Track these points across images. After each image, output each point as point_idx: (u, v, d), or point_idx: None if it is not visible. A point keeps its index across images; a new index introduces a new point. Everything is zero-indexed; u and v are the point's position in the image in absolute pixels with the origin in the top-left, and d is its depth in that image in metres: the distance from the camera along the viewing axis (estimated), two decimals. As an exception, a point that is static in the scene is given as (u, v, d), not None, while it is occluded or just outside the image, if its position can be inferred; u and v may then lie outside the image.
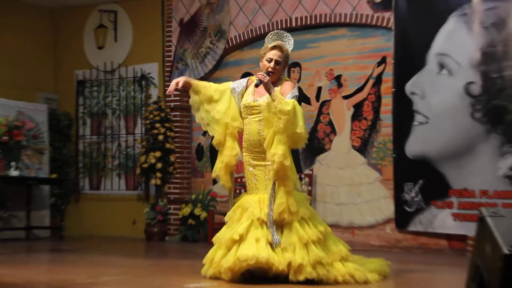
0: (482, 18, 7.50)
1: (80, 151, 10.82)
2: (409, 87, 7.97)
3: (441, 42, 7.80)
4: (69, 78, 10.93)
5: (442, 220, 7.66)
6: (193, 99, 5.41)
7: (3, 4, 10.33)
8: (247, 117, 5.29)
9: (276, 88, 5.15)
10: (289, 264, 4.84)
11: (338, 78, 8.78)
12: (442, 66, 7.77)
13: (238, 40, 9.39)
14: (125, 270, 5.95)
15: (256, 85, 5.11)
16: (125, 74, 10.47)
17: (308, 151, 8.91)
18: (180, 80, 5.37)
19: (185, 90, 5.43)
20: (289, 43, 5.46)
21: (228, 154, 5.26)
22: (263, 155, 5.17)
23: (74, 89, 10.89)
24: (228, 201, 5.50)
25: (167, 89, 9.83)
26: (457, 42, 7.66)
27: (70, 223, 10.53)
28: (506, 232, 3.11)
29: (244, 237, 4.96)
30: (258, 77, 5.08)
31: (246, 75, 9.44)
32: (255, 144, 5.23)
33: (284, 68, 5.41)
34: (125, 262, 6.77)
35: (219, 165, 5.30)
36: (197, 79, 9.57)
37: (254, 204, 5.11)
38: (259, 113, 5.20)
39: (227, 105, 5.35)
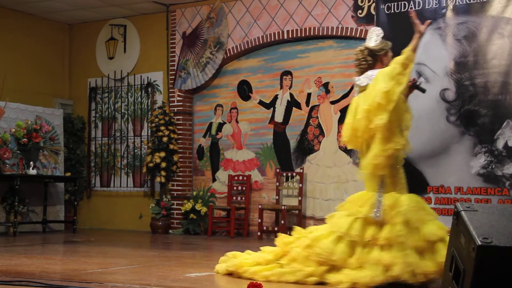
0: (455, 31, 7.49)
1: (92, 151, 10.77)
2: (390, 93, 7.92)
3: (418, 53, 7.71)
4: (82, 86, 10.89)
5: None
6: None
7: (26, 19, 10.31)
8: None
9: None
10: None
11: (326, 85, 8.75)
12: (419, 74, 7.75)
13: (235, 51, 9.36)
14: (132, 260, 5.89)
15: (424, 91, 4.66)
16: (133, 81, 10.43)
17: (299, 151, 8.88)
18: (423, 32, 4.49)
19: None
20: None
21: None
22: None
23: (87, 95, 10.85)
24: (379, 197, 4.40)
25: (171, 95, 9.84)
26: (433, 53, 7.64)
27: (83, 217, 10.50)
28: (479, 225, 3.08)
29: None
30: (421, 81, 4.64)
31: (243, 82, 9.45)
32: None
33: None
34: (132, 253, 6.72)
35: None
36: (198, 86, 9.67)
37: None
38: None
39: None
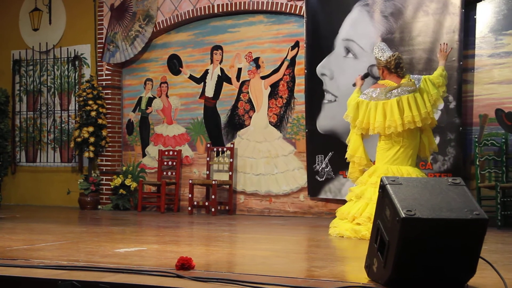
0: (382, 8, 7.63)
1: (16, 126, 10.45)
2: (319, 69, 8.03)
3: (347, 29, 7.88)
4: (5, 58, 10.52)
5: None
6: None
7: None
8: None
9: None
10: None
11: (256, 60, 8.75)
12: (348, 50, 7.86)
13: (165, 24, 9.22)
14: (60, 236, 5.78)
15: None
16: (60, 54, 10.14)
17: (229, 126, 8.89)
18: None
19: None
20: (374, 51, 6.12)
21: None
22: None
23: (10, 68, 10.49)
24: None
25: (99, 69, 9.61)
26: (360, 29, 7.76)
27: (7, 193, 10.22)
28: (403, 198, 3.17)
29: None
30: None
31: (173, 57, 9.34)
32: None
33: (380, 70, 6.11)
34: (60, 229, 6.59)
35: None
36: (127, 60, 9.49)
37: None
38: None
39: None
